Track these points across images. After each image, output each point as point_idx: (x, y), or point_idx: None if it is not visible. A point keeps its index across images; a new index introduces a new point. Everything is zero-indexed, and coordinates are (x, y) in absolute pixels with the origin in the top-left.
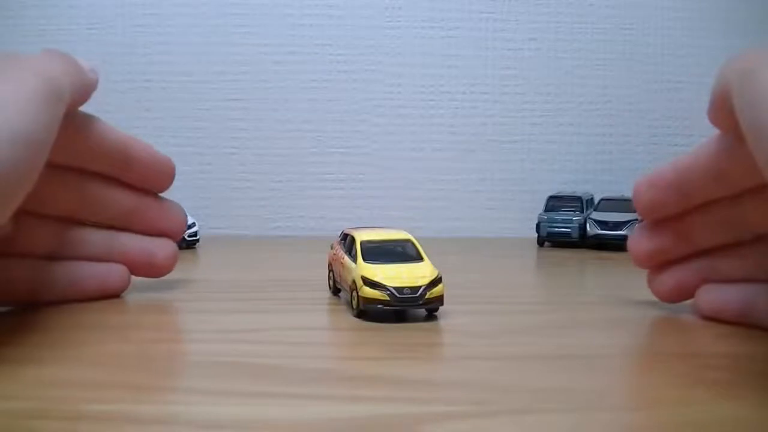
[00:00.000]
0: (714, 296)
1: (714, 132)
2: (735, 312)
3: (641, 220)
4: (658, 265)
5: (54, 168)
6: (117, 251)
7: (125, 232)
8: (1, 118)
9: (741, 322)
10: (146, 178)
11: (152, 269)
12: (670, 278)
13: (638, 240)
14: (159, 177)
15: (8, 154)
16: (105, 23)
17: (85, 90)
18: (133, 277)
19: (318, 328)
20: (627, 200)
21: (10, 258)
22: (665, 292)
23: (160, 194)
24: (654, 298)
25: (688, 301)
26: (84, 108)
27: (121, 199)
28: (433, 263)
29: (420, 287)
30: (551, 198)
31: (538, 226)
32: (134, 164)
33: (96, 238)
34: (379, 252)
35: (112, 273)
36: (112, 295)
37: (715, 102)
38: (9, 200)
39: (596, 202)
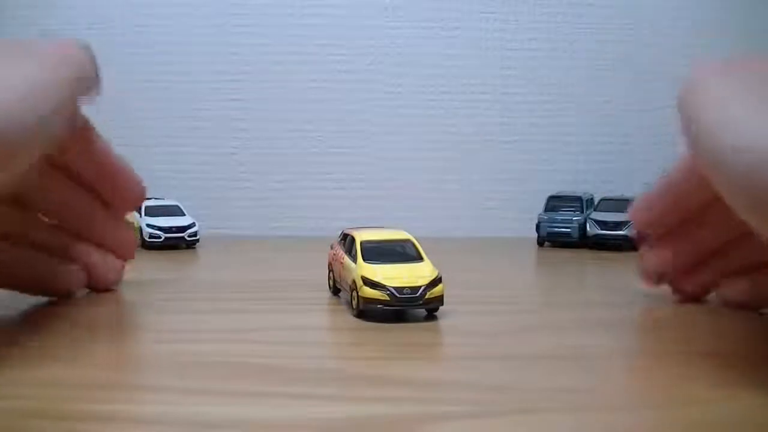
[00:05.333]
0: (728, 291)
1: None
2: (747, 300)
3: (638, 234)
4: (675, 276)
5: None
6: (69, 254)
7: (79, 240)
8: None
9: (759, 307)
10: (117, 196)
11: (98, 281)
12: (689, 286)
13: (649, 260)
14: (129, 198)
15: (55, 119)
16: (105, 23)
17: (97, 83)
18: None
19: (318, 328)
20: (627, 200)
21: None
22: (688, 296)
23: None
24: (653, 299)
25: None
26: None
27: (88, 209)
28: (433, 263)
29: (420, 287)
30: (551, 198)
31: (538, 226)
32: (112, 180)
33: (51, 237)
34: (379, 252)
35: (71, 272)
36: (62, 293)
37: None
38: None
39: (596, 202)
